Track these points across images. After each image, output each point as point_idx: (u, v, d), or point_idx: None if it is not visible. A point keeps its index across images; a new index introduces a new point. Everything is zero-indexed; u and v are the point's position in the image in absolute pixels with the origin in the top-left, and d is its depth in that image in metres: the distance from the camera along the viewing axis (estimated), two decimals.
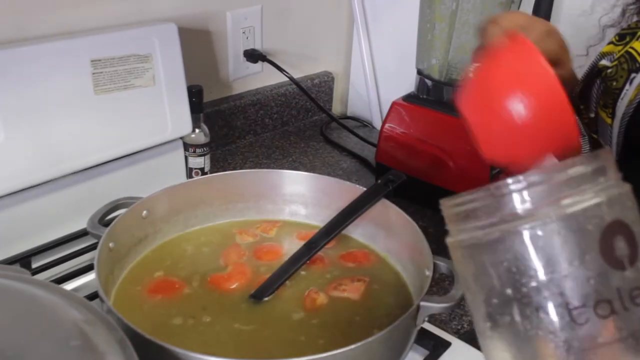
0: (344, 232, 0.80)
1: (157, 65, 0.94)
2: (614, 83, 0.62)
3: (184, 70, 0.98)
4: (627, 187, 0.40)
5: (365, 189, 0.81)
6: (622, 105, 0.62)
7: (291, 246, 0.80)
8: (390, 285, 0.76)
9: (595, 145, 0.68)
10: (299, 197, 0.88)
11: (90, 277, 0.81)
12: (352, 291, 0.74)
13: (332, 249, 0.81)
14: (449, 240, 0.43)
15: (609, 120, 0.64)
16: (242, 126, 1.27)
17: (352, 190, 0.82)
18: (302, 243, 0.78)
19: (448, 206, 0.42)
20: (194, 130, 1.02)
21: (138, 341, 0.51)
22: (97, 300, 0.66)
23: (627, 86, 0.61)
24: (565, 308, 0.37)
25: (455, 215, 0.41)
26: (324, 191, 0.86)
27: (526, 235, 0.38)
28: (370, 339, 0.57)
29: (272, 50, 1.28)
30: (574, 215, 0.37)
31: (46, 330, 0.49)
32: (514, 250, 0.38)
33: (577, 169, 0.38)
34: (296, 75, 1.30)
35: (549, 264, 0.37)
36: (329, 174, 1.12)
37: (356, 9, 1.33)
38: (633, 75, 0.61)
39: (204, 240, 0.83)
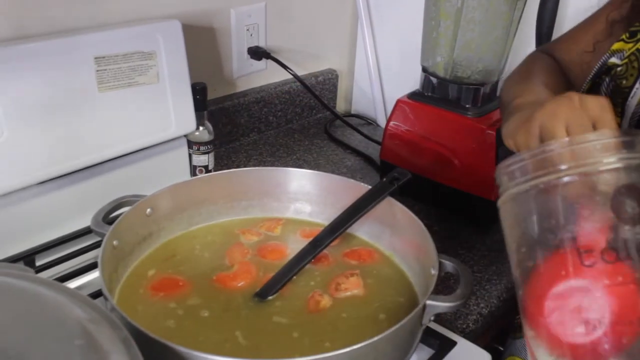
0: (349, 230, 0.79)
1: (161, 63, 0.94)
2: (624, 81, 0.61)
3: (188, 68, 0.98)
4: None
5: (370, 187, 0.81)
6: (632, 104, 0.61)
7: (295, 244, 0.80)
8: (396, 284, 0.76)
9: None
10: (303, 195, 0.87)
11: (94, 275, 0.81)
12: (353, 287, 0.73)
13: (336, 247, 0.81)
14: (498, 202, 0.52)
15: (617, 119, 0.63)
16: (246, 124, 1.27)
17: (357, 188, 0.82)
18: (307, 241, 0.77)
19: (502, 168, 0.52)
20: (197, 128, 1.02)
21: (142, 340, 0.51)
22: (101, 299, 0.66)
23: (637, 85, 0.60)
24: (576, 250, 0.45)
25: (506, 175, 0.51)
26: (328, 189, 0.86)
27: (554, 187, 0.46)
28: (376, 339, 0.57)
29: (276, 48, 1.28)
30: (590, 175, 0.46)
31: (50, 328, 0.49)
32: (543, 200, 0.47)
33: (604, 140, 0.47)
34: (300, 72, 1.29)
35: (567, 213, 0.46)
36: (333, 172, 1.12)
37: (360, 6, 1.33)
38: None
39: (208, 239, 0.83)
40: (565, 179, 0.46)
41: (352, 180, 0.86)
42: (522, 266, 0.49)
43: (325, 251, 0.77)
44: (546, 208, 0.47)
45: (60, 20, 0.92)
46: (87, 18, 0.94)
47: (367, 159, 1.23)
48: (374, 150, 1.24)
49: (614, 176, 0.45)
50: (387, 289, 0.75)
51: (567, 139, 0.48)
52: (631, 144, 0.46)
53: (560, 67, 0.78)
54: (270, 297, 0.72)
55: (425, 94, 1.06)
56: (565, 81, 0.76)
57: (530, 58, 0.82)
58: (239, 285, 0.74)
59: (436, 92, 1.05)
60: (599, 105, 0.50)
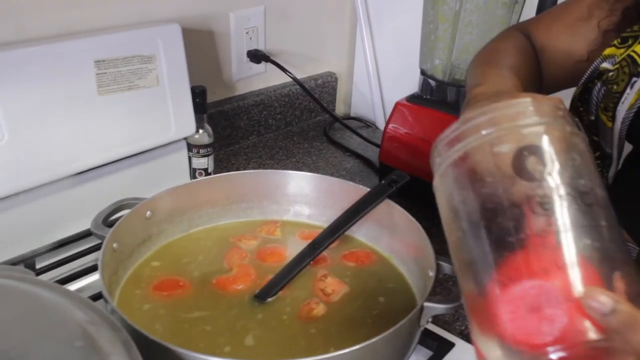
0: (348, 232, 0.80)
1: (161, 66, 0.94)
2: (615, 87, 0.62)
3: (187, 71, 0.98)
4: (559, 122, 0.48)
5: (368, 189, 0.81)
6: (622, 110, 0.61)
7: (294, 247, 0.80)
8: (394, 286, 0.76)
9: (595, 147, 0.67)
10: (302, 197, 0.88)
11: (94, 277, 0.81)
12: (338, 287, 0.74)
13: (335, 249, 0.81)
14: (434, 182, 0.52)
15: (609, 124, 0.63)
16: (246, 127, 1.27)
17: (356, 191, 0.82)
18: (306, 243, 0.78)
19: (435, 146, 0.52)
20: (197, 131, 1.02)
21: (142, 342, 0.51)
22: (101, 301, 0.66)
23: (628, 90, 0.61)
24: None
25: (439, 150, 0.51)
26: (327, 192, 0.86)
27: (475, 151, 0.47)
28: (374, 340, 0.57)
29: (275, 51, 1.28)
30: (491, 139, 0.47)
31: (50, 330, 0.49)
32: (466, 166, 0.48)
33: (512, 109, 0.48)
34: (299, 75, 1.30)
35: (485, 175, 0.47)
36: (332, 175, 1.12)
37: (359, 9, 1.33)
38: (634, 79, 0.60)
39: (208, 241, 0.83)
40: (480, 142, 0.48)
41: (351, 183, 0.86)
42: (455, 236, 0.49)
43: (324, 253, 0.78)
44: (474, 171, 0.48)
45: (61, 24, 0.92)
46: (87, 21, 0.95)
47: (366, 161, 1.24)
48: (372, 153, 1.25)
49: (513, 137, 0.47)
50: (385, 290, 0.75)
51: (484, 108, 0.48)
52: (539, 108, 0.47)
53: (534, 48, 0.77)
54: (269, 299, 0.72)
55: (424, 96, 1.07)
56: (534, 65, 0.74)
57: (502, 36, 0.80)
58: (239, 288, 0.74)
59: (435, 95, 1.05)
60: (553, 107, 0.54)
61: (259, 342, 0.66)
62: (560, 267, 0.42)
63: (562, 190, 0.44)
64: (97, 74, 0.87)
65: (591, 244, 0.43)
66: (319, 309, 0.71)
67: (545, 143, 0.47)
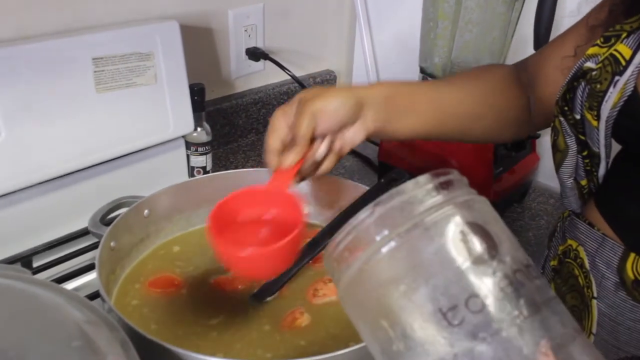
0: None
1: (159, 64, 0.94)
2: (598, 85, 0.62)
3: (185, 69, 0.98)
4: (474, 193, 0.42)
5: (368, 188, 0.81)
6: (606, 108, 0.61)
7: None
8: None
9: (582, 146, 0.68)
10: (300, 196, 0.87)
11: (91, 276, 0.81)
12: (332, 293, 0.73)
13: None
14: (338, 293, 0.43)
15: (594, 123, 0.63)
16: (244, 125, 1.26)
17: (355, 189, 0.82)
18: (305, 242, 0.77)
19: (327, 257, 0.43)
20: (195, 129, 1.02)
21: (140, 341, 0.51)
22: (98, 300, 0.66)
23: (611, 89, 0.61)
24: (439, 313, 0.37)
25: (334, 262, 0.42)
26: (326, 190, 0.86)
27: (386, 254, 0.39)
28: None
29: (274, 49, 1.28)
30: (424, 229, 0.39)
31: (47, 330, 0.49)
32: (378, 274, 0.40)
33: (419, 190, 0.40)
34: (298, 73, 1.29)
35: (413, 276, 0.38)
36: (331, 173, 1.12)
37: (358, 6, 1.33)
38: (617, 78, 0.61)
39: (206, 240, 0.83)
40: (395, 242, 0.39)
41: (349, 182, 0.86)
42: (388, 354, 0.39)
43: (323, 252, 0.77)
44: (389, 277, 0.39)
45: (59, 21, 0.92)
46: (85, 19, 0.94)
47: (365, 160, 1.23)
48: (371, 152, 1.24)
49: (445, 221, 0.39)
50: None
51: (384, 199, 0.40)
52: (448, 183, 0.41)
53: (520, 79, 0.78)
54: (268, 299, 0.72)
55: None
56: (490, 89, 0.76)
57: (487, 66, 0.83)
58: (238, 288, 0.73)
59: None
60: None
61: (257, 341, 0.66)
62: None
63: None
64: (95, 72, 0.87)
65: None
66: (303, 319, 0.69)
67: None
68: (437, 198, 0.40)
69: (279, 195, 0.66)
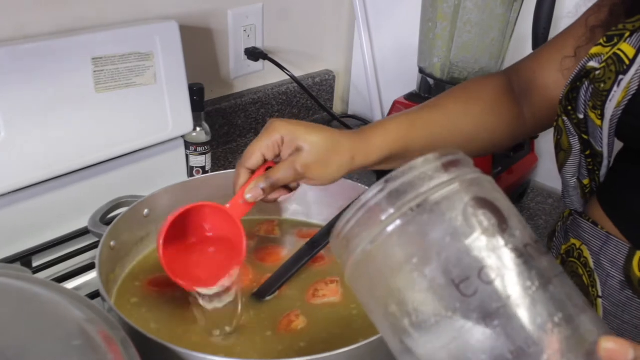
0: None
1: (159, 64, 0.94)
2: (602, 85, 0.62)
3: (185, 69, 0.98)
4: (480, 172, 0.43)
5: (366, 187, 0.81)
6: (610, 107, 0.61)
7: (293, 245, 0.80)
8: None
9: (585, 145, 0.68)
10: (300, 196, 0.87)
11: (91, 275, 0.81)
12: (331, 294, 0.73)
13: None
14: (345, 275, 0.43)
15: (598, 122, 0.63)
16: (243, 125, 1.27)
17: (354, 189, 0.82)
18: (304, 242, 0.77)
19: (334, 237, 0.44)
20: (195, 129, 1.02)
21: (140, 340, 0.51)
22: (98, 299, 0.66)
23: (615, 88, 0.61)
24: (452, 285, 0.38)
25: (342, 242, 0.43)
26: (325, 190, 0.86)
27: (398, 229, 0.40)
28: (373, 338, 0.57)
29: (273, 49, 1.28)
30: (434, 204, 0.40)
31: (47, 329, 0.49)
32: (391, 249, 0.40)
33: (427, 167, 0.41)
34: (297, 73, 1.29)
35: (425, 250, 0.39)
36: None
37: (357, 7, 1.33)
38: (621, 77, 0.61)
39: None
40: (405, 219, 0.40)
41: (348, 181, 0.86)
42: (400, 330, 0.40)
43: (322, 252, 0.77)
44: (403, 254, 0.40)
45: (58, 21, 0.92)
46: (85, 19, 0.94)
47: None
48: None
49: (455, 197, 0.40)
50: None
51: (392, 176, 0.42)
52: (455, 163, 0.42)
53: (512, 89, 0.78)
54: (268, 298, 0.72)
55: (422, 95, 1.06)
56: (472, 102, 0.77)
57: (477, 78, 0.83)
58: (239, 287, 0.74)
59: (433, 93, 1.05)
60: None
61: (258, 340, 0.66)
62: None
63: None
64: (95, 72, 0.87)
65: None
66: (299, 322, 0.69)
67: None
68: (446, 175, 0.41)
69: (231, 222, 0.68)
